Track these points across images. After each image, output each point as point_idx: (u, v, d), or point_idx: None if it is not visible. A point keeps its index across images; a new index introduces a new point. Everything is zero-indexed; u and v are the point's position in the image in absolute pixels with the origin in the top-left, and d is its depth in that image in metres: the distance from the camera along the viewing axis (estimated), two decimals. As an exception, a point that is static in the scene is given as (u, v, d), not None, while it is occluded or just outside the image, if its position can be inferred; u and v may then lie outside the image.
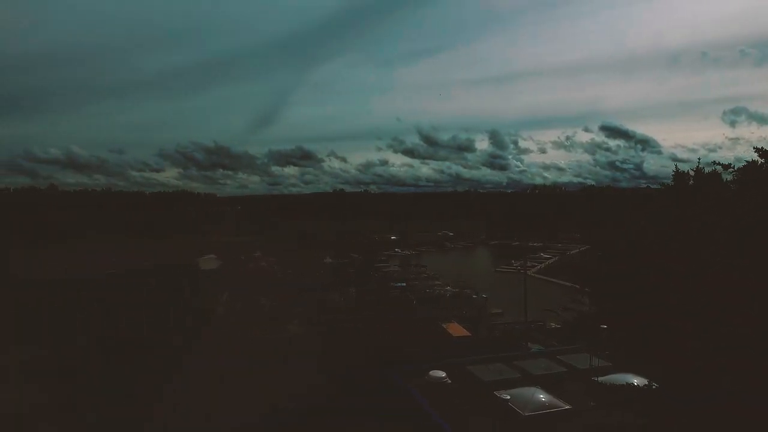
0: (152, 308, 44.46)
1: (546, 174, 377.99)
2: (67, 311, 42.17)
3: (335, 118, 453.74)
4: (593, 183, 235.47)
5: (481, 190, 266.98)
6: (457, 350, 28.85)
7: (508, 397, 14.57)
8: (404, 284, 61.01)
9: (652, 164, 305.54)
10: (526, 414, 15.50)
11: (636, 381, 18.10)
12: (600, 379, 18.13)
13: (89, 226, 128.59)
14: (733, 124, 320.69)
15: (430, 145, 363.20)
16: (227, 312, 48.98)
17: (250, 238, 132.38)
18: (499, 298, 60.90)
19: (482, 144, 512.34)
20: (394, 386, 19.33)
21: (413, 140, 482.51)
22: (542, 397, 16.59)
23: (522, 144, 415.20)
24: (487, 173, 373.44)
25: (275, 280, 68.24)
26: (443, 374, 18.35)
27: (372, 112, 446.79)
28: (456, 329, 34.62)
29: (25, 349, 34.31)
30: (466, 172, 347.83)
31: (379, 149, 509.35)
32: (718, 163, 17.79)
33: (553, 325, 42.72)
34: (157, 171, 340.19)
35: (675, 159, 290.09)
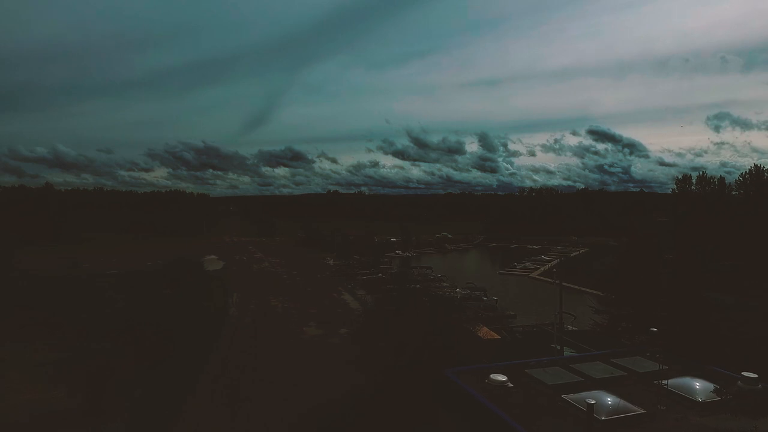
0: (165, 308, 43.66)
1: (536, 177, 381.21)
2: (79, 310, 41.29)
3: (325, 119, 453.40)
4: (583, 186, 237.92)
5: (475, 192, 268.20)
6: (492, 352, 28.68)
7: (594, 402, 14.36)
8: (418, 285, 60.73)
9: (639, 168, 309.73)
10: (603, 418, 15.30)
11: (698, 384, 18.03)
12: (668, 382, 18.02)
13: (90, 225, 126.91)
14: (717, 129, 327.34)
15: (420, 147, 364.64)
16: (240, 313, 48.29)
17: (249, 239, 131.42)
18: (509, 301, 61.07)
19: (471, 146, 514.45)
20: (452, 389, 19.02)
21: (403, 142, 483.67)
22: (612, 400, 16.40)
23: (511, 147, 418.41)
24: (477, 175, 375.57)
25: (282, 280, 67.64)
26: (504, 378, 18.08)
27: (362, 114, 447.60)
28: (485, 332, 34.49)
29: (37, 349, 33.37)
30: (456, 174, 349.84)
31: (369, 151, 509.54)
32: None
33: (569, 327, 42.69)
34: (146, 171, 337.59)
35: (662, 163, 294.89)
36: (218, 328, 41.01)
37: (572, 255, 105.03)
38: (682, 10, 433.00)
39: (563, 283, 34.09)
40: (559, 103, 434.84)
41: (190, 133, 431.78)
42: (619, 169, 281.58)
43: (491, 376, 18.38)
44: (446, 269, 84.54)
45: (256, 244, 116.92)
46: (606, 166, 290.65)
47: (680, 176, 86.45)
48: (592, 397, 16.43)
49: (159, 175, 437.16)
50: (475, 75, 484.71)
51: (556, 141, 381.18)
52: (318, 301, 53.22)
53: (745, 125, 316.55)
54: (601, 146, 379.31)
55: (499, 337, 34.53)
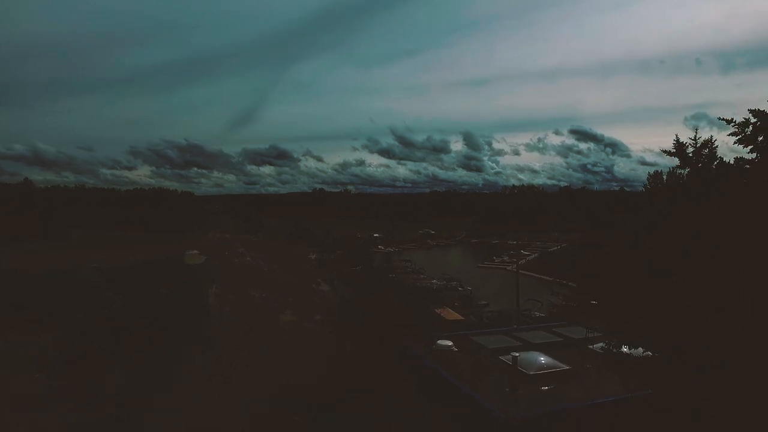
0: (146, 300, 44.66)
1: (521, 176, 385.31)
2: (63, 303, 41.91)
3: (310, 118, 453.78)
4: (567, 184, 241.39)
5: (460, 191, 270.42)
6: (453, 330, 30.24)
7: (518, 355, 15.94)
8: (393, 275, 62.29)
9: (622, 167, 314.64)
10: (531, 373, 16.91)
11: (624, 349, 19.75)
12: (594, 346, 19.67)
13: (76, 222, 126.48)
14: (695, 129, 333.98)
15: (405, 146, 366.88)
16: (219, 303, 49.45)
17: (235, 235, 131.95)
18: (483, 292, 62.81)
19: (456, 145, 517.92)
20: (405, 358, 20.53)
21: (388, 141, 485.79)
22: (543, 359, 18.02)
23: (495, 146, 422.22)
24: (463, 174, 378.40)
25: (262, 273, 68.76)
26: (450, 343, 19.64)
27: (347, 112, 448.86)
28: (449, 313, 36.05)
29: (20, 340, 33.83)
30: (442, 173, 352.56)
31: (355, 149, 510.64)
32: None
33: (537, 314, 44.59)
34: (129, 169, 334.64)
35: (643, 162, 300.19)
36: (197, 318, 41.87)
37: (551, 250, 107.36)
38: (664, 12, 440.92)
39: (541, 276, 35.74)
40: (544, 102, 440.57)
41: (174, 131, 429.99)
42: (602, 169, 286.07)
43: (438, 341, 19.94)
44: (428, 264, 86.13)
45: (240, 241, 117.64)
46: (589, 166, 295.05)
47: (652, 172, 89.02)
48: (524, 357, 18.08)
49: (142, 174, 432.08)
50: (461, 75, 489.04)
51: (539, 140, 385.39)
52: (296, 292, 54.47)
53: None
54: (583, 146, 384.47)
55: (463, 318, 36.13)
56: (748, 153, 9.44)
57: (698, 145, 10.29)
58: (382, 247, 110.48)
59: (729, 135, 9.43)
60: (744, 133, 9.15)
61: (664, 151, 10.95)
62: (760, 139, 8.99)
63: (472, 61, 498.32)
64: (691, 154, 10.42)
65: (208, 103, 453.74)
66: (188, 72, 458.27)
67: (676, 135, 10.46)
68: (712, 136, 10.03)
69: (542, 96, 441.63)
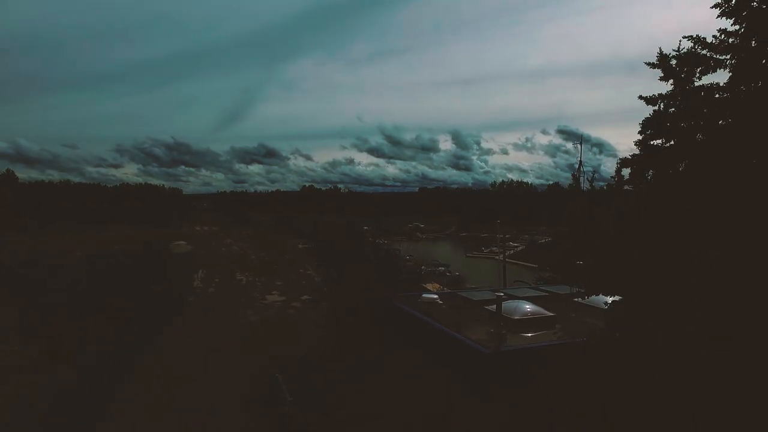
0: (132, 283, 44.01)
1: (509, 175, 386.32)
2: (42, 286, 41.10)
3: (298, 116, 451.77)
4: (555, 182, 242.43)
5: (450, 189, 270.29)
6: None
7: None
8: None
9: (609, 167, 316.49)
10: (516, 318, 16.79)
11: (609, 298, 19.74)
12: (579, 299, 19.63)
13: (58, 216, 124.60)
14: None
15: (394, 145, 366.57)
16: (205, 285, 48.98)
17: (221, 228, 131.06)
18: (472, 277, 62.83)
19: (446, 144, 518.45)
20: (392, 312, 20.32)
21: (377, 140, 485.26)
22: (529, 307, 17.93)
23: (484, 145, 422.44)
24: (452, 174, 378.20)
25: (250, 261, 68.25)
26: (436, 296, 19.49)
27: (336, 111, 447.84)
28: (435, 287, 35.96)
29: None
30: (432, 173, 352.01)
31: (344, 148, 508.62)
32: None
33: (525, 295, 44.77)
34: (116, 167, 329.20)
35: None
36: (182, 299, 41.35)
37: (540, 242, 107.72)
38: (648, 14, 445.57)
39: (528, 264, 35.46)
40: (531, 102, 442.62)
41: (161, 129, 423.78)
42: (589, 168, 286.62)
43: (423, 295, 19.78)
44: (417, 254, 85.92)
45: (228, 233, 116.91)
46: (576, 165, 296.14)
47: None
48: (510, 303, 17.95)
49: (129, 172, 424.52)
50: (449, 74, 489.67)
51: (527, 140, 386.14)
52: (283, 276, 54.23)
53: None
54: (570, 145, 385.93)
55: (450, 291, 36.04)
56: (731, 25, 9.35)
57: (682, 55, 10.16)
58: (371, 239, 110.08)
59: (711, 7, 9.33)
60: (728, 5, 9.06)
61: (647, 63, 10.79)
62: (744, 13, 8.90)
63: (461, 60, 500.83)
64: (674, 65, 10.29)
65: (195, 101, 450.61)
66: (175, 69, 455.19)
67: (660, 48, 10.34)
68: (696, 44, 9.90)
69: (530, 96, 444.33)
